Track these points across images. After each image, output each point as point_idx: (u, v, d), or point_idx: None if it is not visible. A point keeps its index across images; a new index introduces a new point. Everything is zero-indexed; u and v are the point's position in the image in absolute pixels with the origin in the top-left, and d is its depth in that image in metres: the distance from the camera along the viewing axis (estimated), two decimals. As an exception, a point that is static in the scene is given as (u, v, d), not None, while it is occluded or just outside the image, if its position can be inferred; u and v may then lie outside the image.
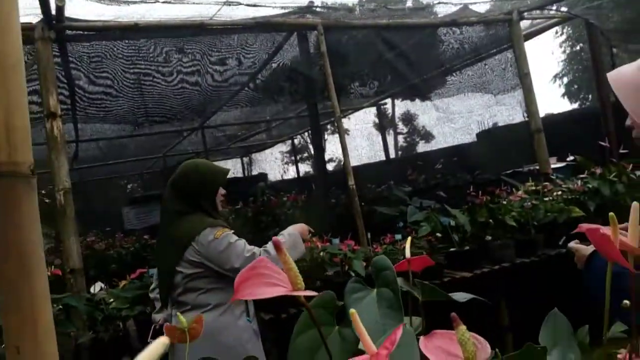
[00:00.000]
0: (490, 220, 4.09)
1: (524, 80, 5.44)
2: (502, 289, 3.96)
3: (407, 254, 1.03)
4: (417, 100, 8.47)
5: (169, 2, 3.89)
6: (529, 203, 4.14)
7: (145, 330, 2.84)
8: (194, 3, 3.98)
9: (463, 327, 0.60)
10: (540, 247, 4.11)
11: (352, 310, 0.59)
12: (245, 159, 14.56)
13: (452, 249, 3.98)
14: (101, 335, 3.07)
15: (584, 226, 0.71)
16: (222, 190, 2.64)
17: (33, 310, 0.92)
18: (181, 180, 2.54)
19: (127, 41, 4.02)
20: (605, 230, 0.69)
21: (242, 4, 4.07)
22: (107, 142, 8.29)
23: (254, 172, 14.22)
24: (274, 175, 15.01)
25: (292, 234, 2.50)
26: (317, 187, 6.51)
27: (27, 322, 0.91)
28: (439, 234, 4.07)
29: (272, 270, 0.57)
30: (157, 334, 2.69)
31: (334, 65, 4.73)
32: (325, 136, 17.92)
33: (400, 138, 23.29)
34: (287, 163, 17.94)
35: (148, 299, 3.33)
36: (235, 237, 2.38)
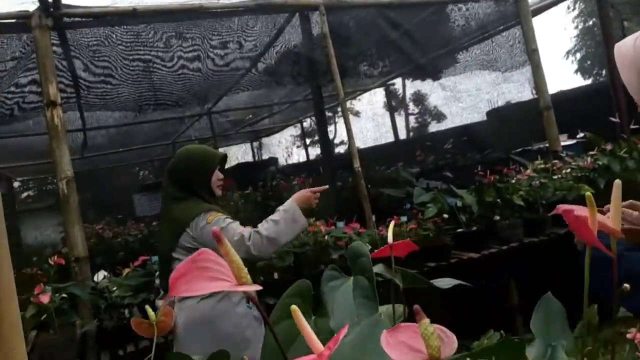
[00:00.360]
0: (498, 200, 4.02)
1: (532, 56, 5.32)
2: (510, 269, 3.91)
3: (389, 239, 0.98)
4: (427, 80, 8.36)
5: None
6: (537, 182, 4.06)
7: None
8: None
9: (426, 321, 0.55)
10: (549, 226, 4.04)
11: (293, 307, 0.54)
12: (255, 144, 14.53)
13: (459, 230, 3.93)
14: (105, 324, 3.06)
15: (562, 207, 0.66)
16: (219, 175, 2.59)
17: (-2, 306, 0.89)
18: (175, 166, 2.51)
19: (125, 27, 3.97)
20: (582, 211, 0.64)
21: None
22: (116, 129, 8.29)
23: (264, 157, 14.20)
24: (286, 159, 15.01)
25: (289, 208, 2.35)
26: (324, 170, 6.46)
27: (-8, 318, 0.88)
28: (445, 215, 4.01)
29: (216, 263, 0.52)
30: (160, 321, 2.68)
31: (338, 46, 4.65)
32: (336, 118, 17.84)
33: (412, 119, 23.11)
34: (298, 147, 17.87)
35: (152, 286, 3.34)
36: (227, 221, 2.32)
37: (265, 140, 14.12)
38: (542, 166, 4.50)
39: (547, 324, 0.96)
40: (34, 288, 2.99)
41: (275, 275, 3.39)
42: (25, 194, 18.59)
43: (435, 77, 6.70)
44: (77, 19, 3.80)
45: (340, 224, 3.70)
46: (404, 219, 3.88)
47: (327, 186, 2.58)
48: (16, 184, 15.30)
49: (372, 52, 5.88)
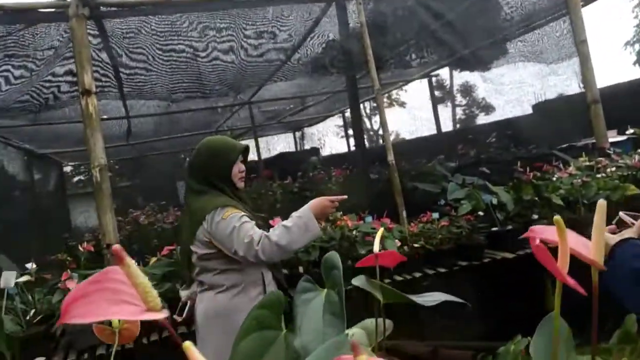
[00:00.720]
0: (537, 198, 3.85)
1: (580, 48, 5.05)
2: (548, 272, 3.73)
3: (376, 247, 0.90)
4: (472, 72, 8.13)
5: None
6: (580, 180, 3.87)
7: (176, 307, 2.86)
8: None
9: (363, 357, 0.48)
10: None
11: (186, 344, 0.47)
12: (298, 134, 14.52)
13: (493, 229, 3.79)
14: (131, 312, 3.09)
15: (535, 229, 0.57)
16: (240, 166, 2.54)
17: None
18: (195, 158, 2.48)
19: (160, 16, 3.98)
20: (550, 234, 0.55)
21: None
22: (158, 117, 8.43)
23: (307, 147, 14.18)
24: (330, 149, 14.92)
25: (303, 216, 2.27)
26: (358, 162, 6.36)
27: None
28: (480, 213, 3.88)
29: (123, 283, 0.47)
30: (183, 310, 2.69)
31: (376, 36, 4.55)
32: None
33: (458, 111, 22.64)
34: (341, 137, 17.75)
35: (177, 276, 3.35)
36: (242, 220, 2.26)
37: (307, 130, 14.09)
38: (587, 163, 4.28)
39: (548, 347, 0.87)
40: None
41: (301, 269, 3.34)
42: (76, 179, 19.17)
43: (478, 68, 6.49)
44: (112, 8, 3.83)
45: (369, 219, 3.62)
46: (435, 215, 3.77)
47: (345, 196, 2.47)
48: (68, 169, 15.80)
49: (412, 42, 5.74)
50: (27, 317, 2.95)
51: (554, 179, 4.08)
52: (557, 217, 0.55)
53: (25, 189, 9.47)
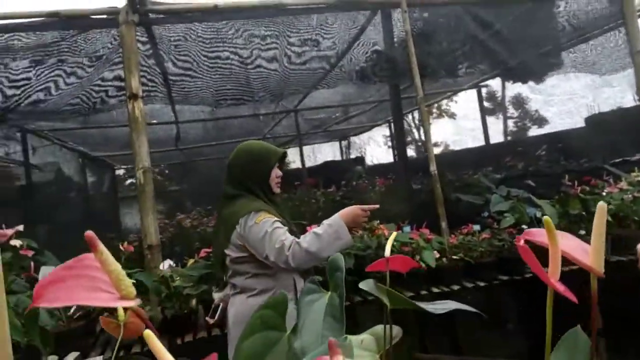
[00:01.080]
0: (584, 213, 3.71)
1: (636, 59, 4.85)
2: (588, 288, 3.57)
3: (387, 251, 0.88)
4: (523, 83, 7.93)
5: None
6: (630, 195, 3.70)
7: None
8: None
9: (339, 358, 0.46)
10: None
11: (147, 332, 0.46)
12: (344, 142, 14.52)
13: (537, 243, 3.66)
14: (167, 312, 3.15)
15: (532, 231, 0.54)
16: (277, 172, 2.56)
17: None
18: (232, 163, 2.51)
19: (206, 23, 4.06)
20: (541, 237, 0.51)
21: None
22: (207, 123, 8.59)
23: (352, 156, 14.16)
24: (375, 158, 14.85)
25: (334, 224, 2.26)
26: (400, 172, 6.30)
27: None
28: (524, 226, 3.76)
29: (97, 270, 0.47)
30: (215, 312, 2.72)
31: (422, 44, 4.50)
32: (430, 120, 17.45)
33: (509, 122, 22.17)
34: (388, 147, 17.64)
35: (214, 278, 3.39)
36: (275, 225, 2.26)
37: (353, 139, 14.07)
38: (639, 179, 4.10)
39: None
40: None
41: (335, 277, 3.32)
42: (128, 182, 19.74)
43: (529, 79, 6.32)
44: (161, 15, 3.93)
45: (407, 229, 3.56)
46: (476, 227, 3.68)
47: (377, 205, 2.43)
48: (120, 172, 16.28)
49: (460, 51, 5.64)
50: (69, 313, 3.04)
51: (604, 193, 3.92)
52: (546, 218, 0.51)
53: (78, 190, 9.82)
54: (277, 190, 2.59)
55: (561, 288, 0.52)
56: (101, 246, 0.46)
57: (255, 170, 2.48)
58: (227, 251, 2.40)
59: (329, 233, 2.22)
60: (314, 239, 2.20)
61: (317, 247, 2.18)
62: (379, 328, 0.90)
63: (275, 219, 2.31)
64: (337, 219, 2.28)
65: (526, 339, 3.47)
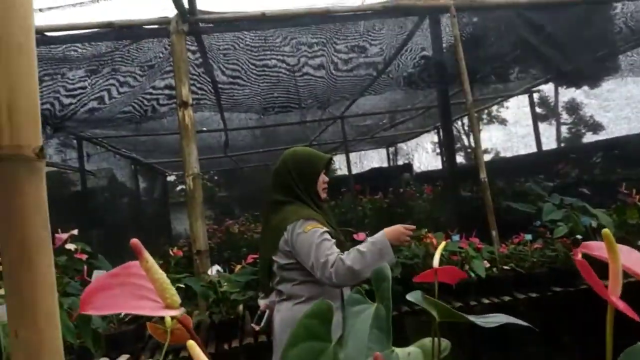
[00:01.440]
0: (643, 223, 3.55)
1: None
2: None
3: (436, 262, 0.85)
4: (578, 88, 7.70)
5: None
6: (694, 204, 3.52)
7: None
8: (318, -10, 3.96)
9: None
10: None
11: (190, 342, 0.45)
12: (391, 149, 14.41)
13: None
14: (214, 317, 3.17)
15: (590, 244, 0.50)
16: (324, 178, 2.55)
17: (33, 296, 0.90)
18: (279, 169, 2.51)
19: (254, 32, 4.11)
20: (600, 251, 0.48)
21: (367, -12, 3.96)
22: (255, 131, 8.70)
23: (399, 162, 14.05)
24: (423, 165, 14.66)
25: (378, 242, 2.23)
26: (448, 179, 6.19)
27: (27, 307, 0.89)
28: (579, 236, 3.62)
29: (143, 278, 0.46)
30: (260, 318, 2.72)
31: (471, 49, 4.42)
32: (480, 126, 17.13)
33: (563, 128, 21.52)
34: (437, 154, 17.40)
35: (260, 284, 3.40)
36: (323, 237, 2.24)
37: (400, 145, 13.95)
38: None
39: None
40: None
41: (382, 286, 3.27)
42: (178, 188, 20.19)
43: (584, 84, 6.11)
44: (210, 24, 4.00)
45: (456, 237, 3.49)
46: (528, 237, 3.57)
47: (414, 226, 2.42)
48: (171, 178, 16.67)
49: (511, 56, 5.51)
50: (120, 316, 3.11)
51: (666, 203, 3.74)
52: (605, 231, 0.48)
53: (131, 195, 10.10)
54: (324, 196, 2.58)
55: (621, 305, 0.48)
56: (146, 254, 0.46)
57: (303, 176, 2.48)
58: (274, 258, 2.40)
59: (372, 251, 2.19)
60: (357, 257, 2.18)
61: (360, 265, 2.16)
62: (427, 341, 0.87)
63: (324, 229, 2.29)
64: (382, 238, 2.25)
65: (582, 353, 3.34)
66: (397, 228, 2.31)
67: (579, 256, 0.48)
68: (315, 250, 2.20)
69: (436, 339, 0.78)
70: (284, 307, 2.43)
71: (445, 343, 0.81)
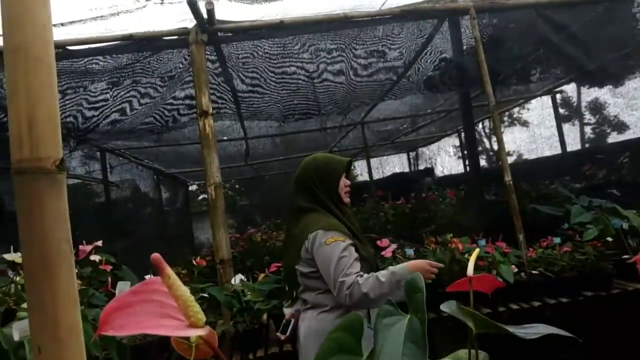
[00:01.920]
0: (677, 224, 3.44)
1: None
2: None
3: (470, 270, 0.81)
4: (599, 87, 7.55)
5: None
6: None
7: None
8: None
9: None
10: None
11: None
12: (412, 154, 14.30)
13: (624, 257, 3.42)
14: (238, 327, 3.15)
15: None
16: (345, 181, 2.53)
17: (55, 310, 0.88)
18: (300, 175, 2.49)
19: (272, 39, 4.11)
20: None
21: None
22: (275, 138, 8.72)
23: (421, 167, 13.93)
24: (445, 169, 14.52)
25: (398, 273, 2.17)
26: (471, 183, 6.10)
27: (49, 322, 0.88)
28: (609, 239, 3.53)
29: (165, 295, 0.43)
30: (286, 327, 2.69)
31: (492, 51, 4.36)
32: (502, 128, 16.91)
33: (587, 129, 21.16)
34: (458, 157, 17.23)
35: (284, 292, 3.37)
36: (342, 253, 2.21)
37: (421, 150, 13.84)
38: None
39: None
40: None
41: (405, 292, 3.22)
42: (200, 197, 20.32)
43: (608, 83, 5.99)
44: (228, 34, 4.00)
45: (482, 242, 3.42)
46: (557, 240, 3.48)
47: (442, 265, 2.38)
48: (193, 188, 16.79)
49: (532, 57, 5.43)
50: (144, 327, 3.11)
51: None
52: None
53: (154, 206, 10.18)
54: (347, 200, 2.56)
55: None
56: (168, 270, 0.43)
57: (324, 179, 2.46)
58: (298, 267, 2.38)
59: (391, 282, 2.14)
60: (375, 285, 2.13)
61: (376, 293, 2.12)
62: (462, 353, 0.83)
63: (346, 243, 2.26)
64: (404, 270, 2.20)
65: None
66: (422, 264, 2.28)
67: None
68: (334, 268, 2.18)
69: (473, 351, 0.74)
70: (308, 315, 2.41)
71: (482, 355, 0.77)
